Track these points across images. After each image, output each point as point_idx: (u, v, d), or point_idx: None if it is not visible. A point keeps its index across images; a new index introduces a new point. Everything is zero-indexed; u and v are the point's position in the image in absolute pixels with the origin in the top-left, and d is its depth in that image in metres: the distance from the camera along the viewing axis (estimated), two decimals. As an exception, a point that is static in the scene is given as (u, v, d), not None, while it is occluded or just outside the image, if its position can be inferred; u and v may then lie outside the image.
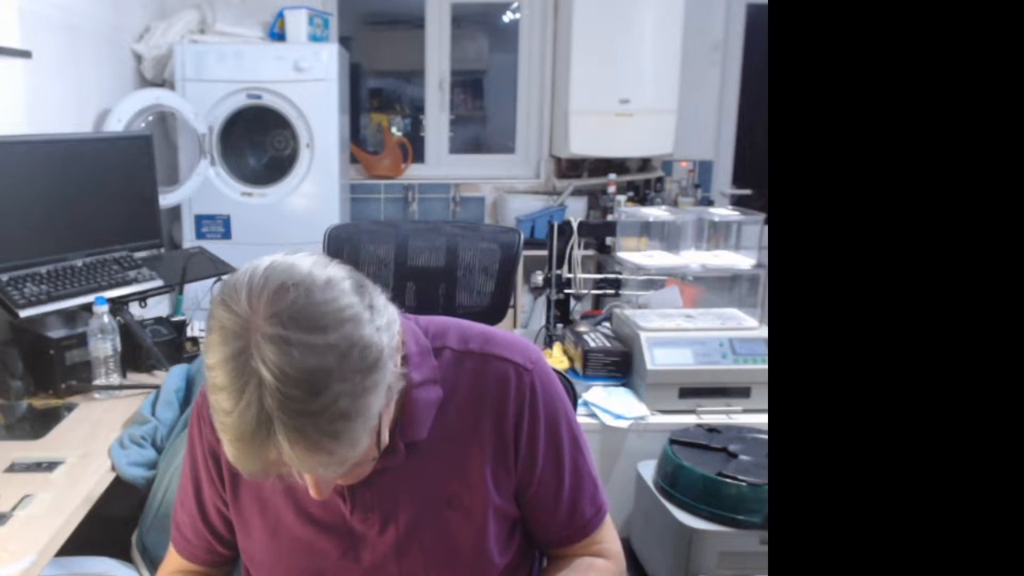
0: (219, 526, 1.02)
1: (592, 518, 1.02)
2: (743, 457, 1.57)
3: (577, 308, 2.59)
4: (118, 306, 1.98)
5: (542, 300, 2.80)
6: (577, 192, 3.81)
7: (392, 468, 0.90)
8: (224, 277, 0.79)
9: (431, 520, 0.94)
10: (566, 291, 2.48)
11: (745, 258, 2.09)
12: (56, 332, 1.84)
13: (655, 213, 2.21)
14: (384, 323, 0.78)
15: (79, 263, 2.03)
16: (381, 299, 0.80)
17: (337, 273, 0.78)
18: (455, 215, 3.92)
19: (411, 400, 0.90)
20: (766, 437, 1.68)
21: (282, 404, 0.71)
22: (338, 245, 1.88)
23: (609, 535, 1.05)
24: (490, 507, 0.95)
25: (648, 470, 1.69)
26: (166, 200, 2.89)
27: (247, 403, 0.71)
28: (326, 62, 3.13)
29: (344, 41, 3.78)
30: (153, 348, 1.99)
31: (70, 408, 1.75)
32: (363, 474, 0.87)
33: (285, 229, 3.18)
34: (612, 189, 3.65)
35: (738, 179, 4.06)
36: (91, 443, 1.58)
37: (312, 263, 0.77)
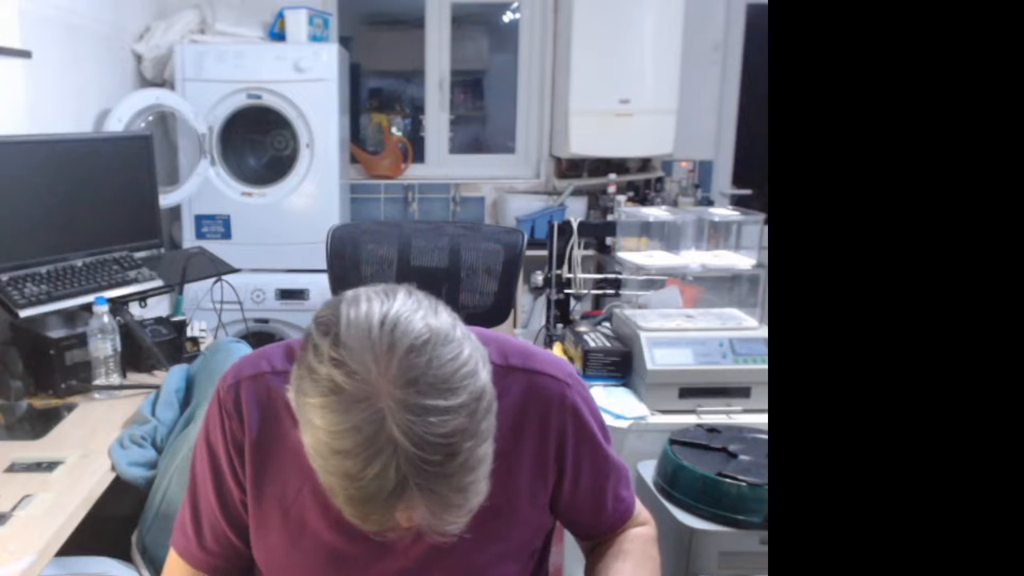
0: (244, 522, 0.99)
1: (631, 500, 1.08)
2: (743, 457, 1.57)
3: (577, 308, 2.59)
4: (118, 306, 1.98)
5: (542, 300, 2.80)
6: (577, 192, 3.81)
7: None
8: (317, 327, 0.73)
9: (466, 530, 0.94)
10: (566, 291, 2.48)
11: (745, 258, 2.08)
12: (56, 332, 1.84)
13: (655, 213, 2.21)
14: (482, 358, 0.77)
15: (79, 263, 2.03)
16: (461, 324, 0.79)
17: (446, 320, 0.76)
18: (455, 215, 3.92)
19: None
20: (766, 437, 1.68)
21: (419, 470, 0.70)
22: (340, 245, 1.88)
23: (642, 509, 1.12)
24: (524, 519, 0.97)
25: (648, 470, 1.68)
26: (166, 200, 2.89)
27: (381, 469, 0.70)
28: (326, 62, 3.12)
29: (344, 41, 3.78)
30: (153, 348, 1.99)
31: (70, 408, 1.75)
32: None
33: (285, 229, 3.18)
34: (612, 189, 3.64)
35: (738, 179, 4.06)
36: (91, 443, 1.58)
37: (422, 313, 0.75)
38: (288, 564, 0.96)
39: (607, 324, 2.20)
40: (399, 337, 0.72)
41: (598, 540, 1.09)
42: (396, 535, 0.77)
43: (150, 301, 2.21)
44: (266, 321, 3.15)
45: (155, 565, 1.56)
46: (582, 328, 2.15)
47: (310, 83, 3.12)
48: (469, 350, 0.75)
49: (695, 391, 1.88)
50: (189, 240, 3.17)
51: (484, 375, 0.75)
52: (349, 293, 0.78)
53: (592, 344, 2.00)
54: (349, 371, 0.71)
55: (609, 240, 3.23)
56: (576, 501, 1.02)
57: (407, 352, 0.71)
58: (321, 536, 0.94)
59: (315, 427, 0.73)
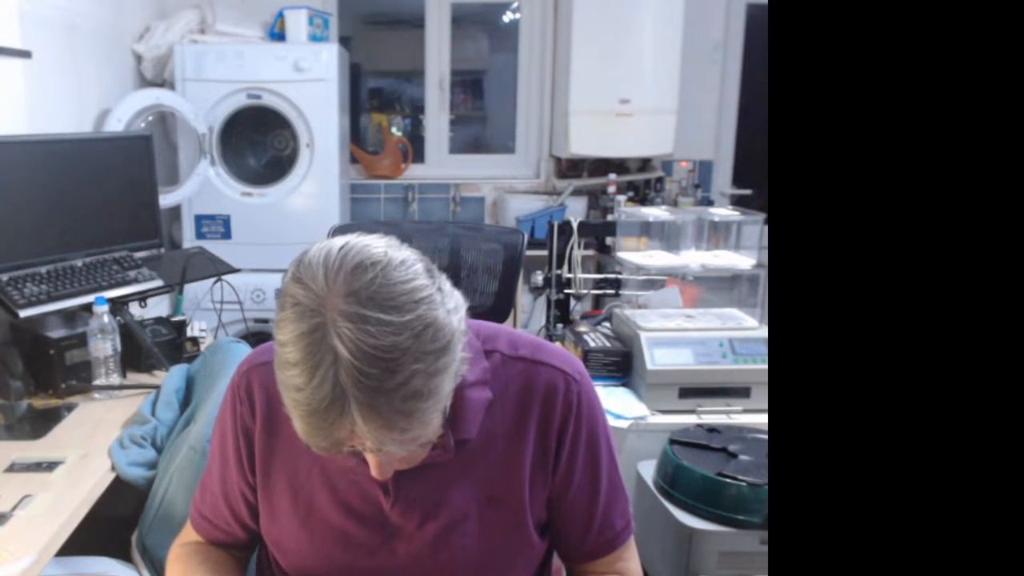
0: (240, 509, 1.02)
1: (621, 532, 1.04)
2: (743, 457, 1.57)
3: (577, 308, 2.59)
4: (118, 306, 1.98)
5: (542, 300, 2.80)
6: (577, 192, 3.81)
7: (441, 464, 0.91)
8: (297, 257, 0.80)
9: (471, 518, 0.95)
10: (566, 291, 2.48)
11: (745, 258, 2.09)
12: (56, 332, 1.84)
13: (655, 213, 2.21)
14: (453, 306, 0.79)
15: (79, 263, 2.03)
16: (447, 284, 0.82)
17: (410, 255, 0.79)
18: (455, 215, 3.92)
19: (463, 399, 0.91)
20: (766, 437, 1.68)
21: (357, 381, 0.72)
22: (339, 245, 1.87)
23: (634, 555, 1.07)
24: (527, 510, 0.97)
25: (648, 470, 1.68)
26: (166, 200, 2.89)
27: (321, 379, 0.73)
28: (326, 62, 3.13)
29: (344, 41, 3.78)
30: (153, 348, 1.99)
31: (70, 408, 1.75)
32: (420, 457, 0.88)
33: (285, 229, 3.18)
34: (612, 189, 3.65)
35: (738, 179, 4.06)
36: (91, 443, 1.58)
37: (386, 244, 0.79)
38: (297, 545, 0.98)
39: (607, 324, 2.20)
40: (351, 258, 0.76)
41: (573, 567, 1.06)
42: (340, 453, 0.79)
43: (150, 301, 2.20)
44: (266, 321, 3.15)
45: (155, 565, 1.55)
46: (582, 328, 2.15)
47: (310, 83, 3.12)
48: (425, 283, 0.77)
49: (695, 391, 1.88)
50: (189, 240, 3.17)
51: (443, 316, 0.77)
52: None
53: (592, 344, 2.00)
54: (304, 285, 0.75)
55: (609, 240, 3.23)
56: (567, 501, 0.99)
57: (354, 268, 0.75)
58: (329, 519, 0.95)
59: (279, 344, 0.76)
